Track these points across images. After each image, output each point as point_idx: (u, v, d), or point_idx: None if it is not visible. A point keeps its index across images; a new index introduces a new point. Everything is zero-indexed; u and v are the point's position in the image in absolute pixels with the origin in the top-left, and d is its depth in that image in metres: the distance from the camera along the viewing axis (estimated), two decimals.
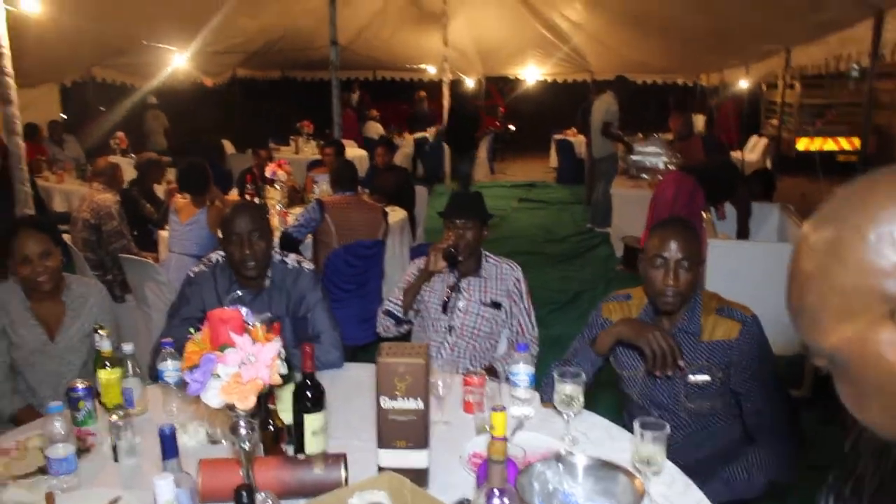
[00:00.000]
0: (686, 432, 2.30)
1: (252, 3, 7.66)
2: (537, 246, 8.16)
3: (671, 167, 7.55)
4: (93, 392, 2.17)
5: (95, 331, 2.34)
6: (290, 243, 4.60)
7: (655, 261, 2.22)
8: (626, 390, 2.41)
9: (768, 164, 12.22)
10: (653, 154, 8.79)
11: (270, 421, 1.88)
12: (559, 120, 13.65)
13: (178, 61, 9.01)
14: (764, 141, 12.92)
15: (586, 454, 1.55)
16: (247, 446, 1.60)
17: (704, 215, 5.34)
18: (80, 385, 2.14)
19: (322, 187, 6.17)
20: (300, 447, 1.88)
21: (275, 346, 1.54)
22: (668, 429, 1.75)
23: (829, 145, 12.63)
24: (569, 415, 2.06)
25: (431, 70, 12.77)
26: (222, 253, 2.69)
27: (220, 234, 2.63)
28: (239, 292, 1.80)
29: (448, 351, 3.00)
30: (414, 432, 1.81)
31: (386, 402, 1.78)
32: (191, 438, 2.08)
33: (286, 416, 1.98)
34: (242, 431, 1.59)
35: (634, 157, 8.45)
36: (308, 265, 2.75)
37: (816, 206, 0.78)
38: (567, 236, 8.65)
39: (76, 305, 2.80)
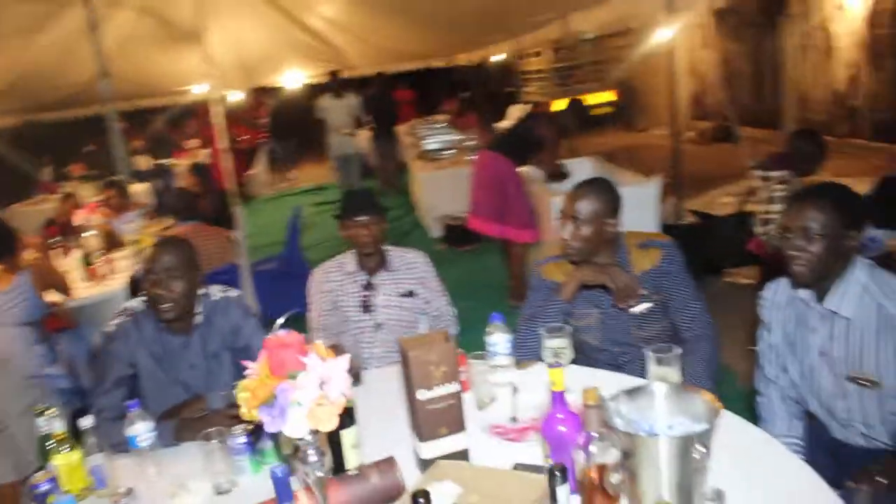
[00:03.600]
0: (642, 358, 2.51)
1: None
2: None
3: (472, 144, 7.88)
4: (58, 482, 1.94)
5: (40, 414, 2.07)
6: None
7: (560, 217, 2.47)
8: (583, 338, 2.56)
9: None
10: (441, 133, 9.18)
11: None
12: None
13: None
14: (524, 107, 13.81)
15: (664, 383, 1.66)
16: (321, 473, 1.54)
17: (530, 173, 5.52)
18: (42, 480, 1.89)
19: (136, 224, 5.80)
20: (339, 464, 1.82)
21: (345, 357, 1.49)
22: (676, 350, 1.91)
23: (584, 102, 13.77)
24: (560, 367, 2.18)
25: (199, 90, 12.20)
26: (141, 299, 2.49)
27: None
28: (281, 320, 1.64)
29: (379, 348, 2.98)
30: (453, 416, 1.83)
31: (423, 394, 1.78)
32: (195, 496, 1.93)
33: None
34: (314, 458, 1.53)
35: (427, 140, 8.74)
36: (234, 292, 2.62)
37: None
38: None
39: None
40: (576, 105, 5.73)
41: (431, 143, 8.69)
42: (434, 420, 1.80)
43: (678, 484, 1.48)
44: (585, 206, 2.38)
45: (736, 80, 11.77)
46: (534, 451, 1.88)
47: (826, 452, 2.15)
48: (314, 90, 14.33)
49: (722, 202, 7.65)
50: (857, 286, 1.99)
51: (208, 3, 9.94)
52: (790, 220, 2.01)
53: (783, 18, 10.36)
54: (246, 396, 1.45)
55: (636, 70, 14.82)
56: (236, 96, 12.79)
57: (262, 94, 13.95)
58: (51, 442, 2.00)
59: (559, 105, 13.99)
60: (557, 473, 1.22)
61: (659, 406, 1.62)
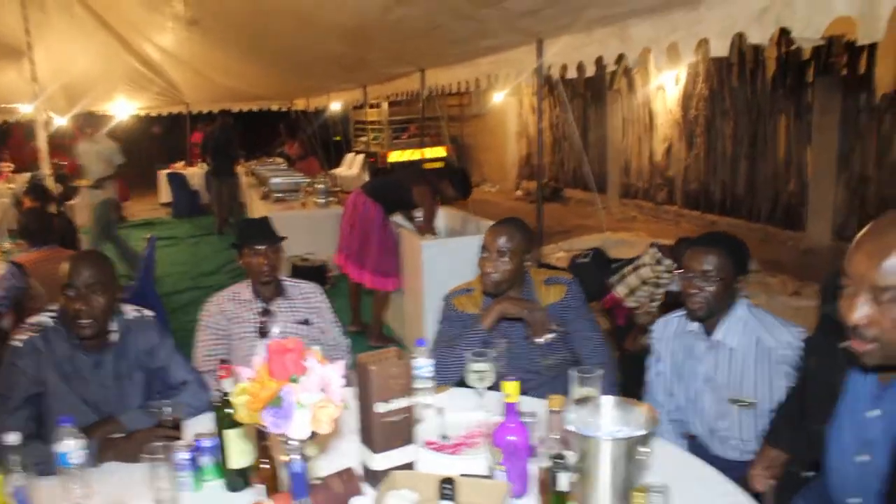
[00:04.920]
0: (547, 383, 2.73)
1: None
2: (196, 281, 7.96)
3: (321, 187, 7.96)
4: None
5: None
6: None
7: (483, 252, 2.64)
8: None
9: (366, 176, 13.41)
10: (286, 175, 9.19)
11: (264, 460, 1.83)
12: (163, 154, 13.24)
13: None
14: (360, 157, 14.09)
15: (610, 397, 1.87)
16: None
17: (402, 223, 5.64)
18: None
19: None
20: None
21: (340, 364, 1.57)
22: (599, 371, 2.14)
23: (416, 155, 14.19)
24: (482, 389, 2.36)
25: (26, 109, 11.38)
26: (51, 313, 2.38)
27: None
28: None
29: None
30: (405, 429, 1.94)
31: (381, 407, 1.88)
32: None
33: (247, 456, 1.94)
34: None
35: (274, 181, 8.71)
36: (148, 312, 2.57)
37: None
38: (220, 266, 8.58)
39: None
40: (461, 175, 5.64)
41: (277, 185, 8.66)
42: (389, 432, 1.90)
43: (625, 480, 1.69)
44: (509, 242, 2.59)
45: (564, 145, 12.71)
46: (472, 463, 2.02)
47: None
48: (149, 121, 13.84)
49: (556, 257, 8.23)
50: (740, 321, 2.34)
51: (36, 18, 9.42)
52: (692, 263, 2.34)
53: (610, 93, 11.40)
54: (245, 399, 1.50)
55: (471, 128, 15.60)
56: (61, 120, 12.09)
57: (82, 120, 13.27)
58: None
59: (393, 157, 14.51)
60: (558, 461, 1.37)
61: (605, 415, 1.83)
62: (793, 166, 8.45)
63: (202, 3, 6.85)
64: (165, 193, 13.04)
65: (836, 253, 7.85)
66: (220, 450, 2.00)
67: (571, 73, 4.15)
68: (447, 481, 1.36)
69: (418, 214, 5.62)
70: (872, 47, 7.34)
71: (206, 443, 2.02)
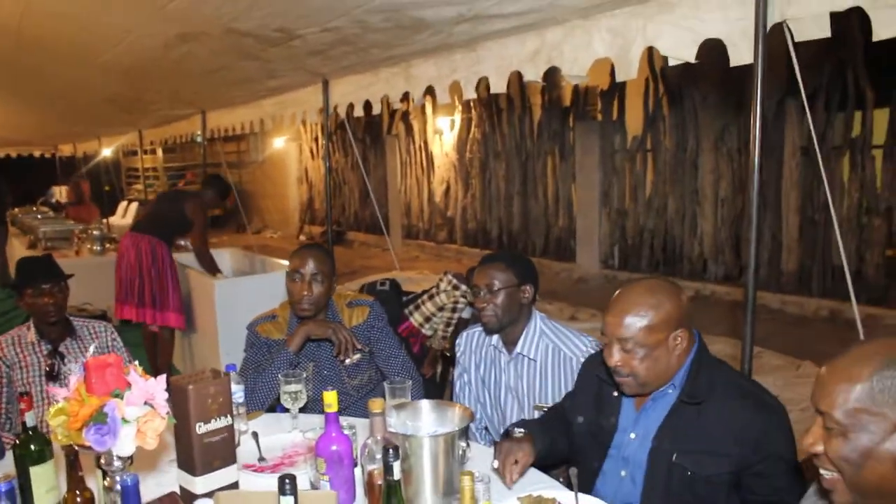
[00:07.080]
0: (355, 402, 2.81)
1: None
2: None
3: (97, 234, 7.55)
4: None
5: None
6: None
7: (294, 276, 2.70)
8: None
9: None
10: (57, 223, 8.66)
11: (78, 492, 1.74)
12: None
13: None
14: (135, 205, 13.43)
15: (427, 401, 1.98)
16: None
17: (189, 265, 5.47)
18: None
19: None
20: None
21: (162, 378, 1.56)
22: (409, 382, 2.27)
23: None
24: (296, 409, 2.40)
25: None
26: None
27: None
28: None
29: None
30: (226, 449, 1.93)
31: (201, 428, 1.86)
32: None
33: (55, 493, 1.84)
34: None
35: (43, 229, 8.15)
36: None
37: None
38: None
39: None
40: (216, 179, 5.80)
41: (47, 233, 8.09)
42: (210, 453, 1.88)
43: (448, 474, 1.81)
44: (320, 265, 2.67)
45: (345, 189, 12.92)
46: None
47: None
48: None
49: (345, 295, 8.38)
50: (538, 334, 2.56)
51: None
52: (477, 280, 2.55)
53: (388, 137, 11.80)
54: (63, 420, 1.44)
55: (250, 175, 15.39)
56: None
57: None
58: None
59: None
60: (391, 450, 1.45)
61: (423, 417, 1.95)
62: (561, 203, 9.24)
63: None
64: None
65: (604, 280, 8.65)
66: (21, 492, 1.88)
67: (358, 112, 4.31)
68: (287, 477, 1.39)
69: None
70: (623, 96, 8.27)
71: (3, 487, 1.88)
